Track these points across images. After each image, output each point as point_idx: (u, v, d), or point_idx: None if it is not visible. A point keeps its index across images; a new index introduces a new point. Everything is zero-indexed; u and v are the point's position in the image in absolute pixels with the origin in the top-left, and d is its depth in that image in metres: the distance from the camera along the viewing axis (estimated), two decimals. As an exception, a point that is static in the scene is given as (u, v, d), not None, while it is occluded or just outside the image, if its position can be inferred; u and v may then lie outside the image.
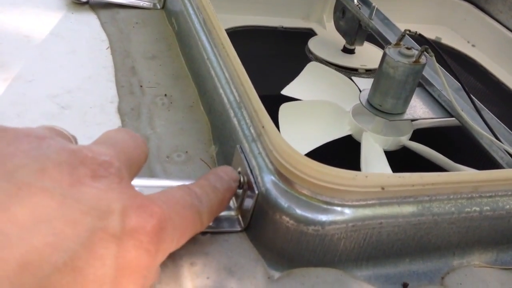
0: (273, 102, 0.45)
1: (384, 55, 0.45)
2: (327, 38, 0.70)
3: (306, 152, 0.45)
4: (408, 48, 0.45)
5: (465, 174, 0.29)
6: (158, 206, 0.21)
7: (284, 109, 0.48)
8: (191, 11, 0.46)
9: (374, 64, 0.62)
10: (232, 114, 0.34)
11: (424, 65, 0.45)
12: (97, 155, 0.20)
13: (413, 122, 0.51)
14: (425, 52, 0.44)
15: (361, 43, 0.65)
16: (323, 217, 0.26)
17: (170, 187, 0.30)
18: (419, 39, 0.50)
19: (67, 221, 0.17)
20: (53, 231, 0.17)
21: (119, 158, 0.21)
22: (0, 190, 0.17)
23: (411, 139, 0.50)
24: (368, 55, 0.67)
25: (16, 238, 0.16)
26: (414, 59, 0.44)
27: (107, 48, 0.47)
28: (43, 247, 0.16)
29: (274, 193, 0.27)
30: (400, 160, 0.48)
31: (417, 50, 0.45)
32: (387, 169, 0.44)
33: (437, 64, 0.46)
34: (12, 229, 0.16)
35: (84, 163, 0.19)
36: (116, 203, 0.19)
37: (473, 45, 0.78)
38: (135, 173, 0.23)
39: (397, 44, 0.46)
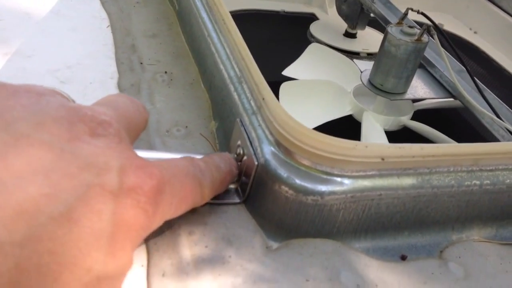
0: (274, 86, 0.45)
1: (386, 33, 0.45)
2: (329, 23, 0.70)
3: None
4: (410, 27, 0.44)
5: (466, 146, 0.29)
6: (158, 169, 0.21)
7: (285, 88, 0.48)
8: (192, -10, 0.46)
9: (375, 48, 0.62)
10: (232, 89, 0.33)
11: (426, 43, 0.44)
12: (96, 114, 0.20)
13: (414, 104, 0.50)
14: (426, 31, 0.44)
15: (363, 27, 0.65)
16: (323, 187, 0.26)
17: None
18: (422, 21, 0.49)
19: (64, 174, 0.17)
20: (50, 183, 0.17)
21: (119, 120, 0.21)
22: None
23: (412, 120, 0.49)
24: (370, 39, 0.66)
25: (12, 186, 0.16)
26: (416, 37, 0.43)
27: (107, 27, 0.47)
28: (39, 197, 0.16)
29: (274, 163, 0.27)
30: (401, 140, 0.48)
31: (419, 29, 0.45)
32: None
33: (439, 43, 0.45)
34: (8, 177, 0.16)
35: (83, 120, 0.19)
36: (114, 161, 0.19)
37: (475, 32, 0.78)
38: (134, 138, 0.23)
39: (399, 23, 0.45)
